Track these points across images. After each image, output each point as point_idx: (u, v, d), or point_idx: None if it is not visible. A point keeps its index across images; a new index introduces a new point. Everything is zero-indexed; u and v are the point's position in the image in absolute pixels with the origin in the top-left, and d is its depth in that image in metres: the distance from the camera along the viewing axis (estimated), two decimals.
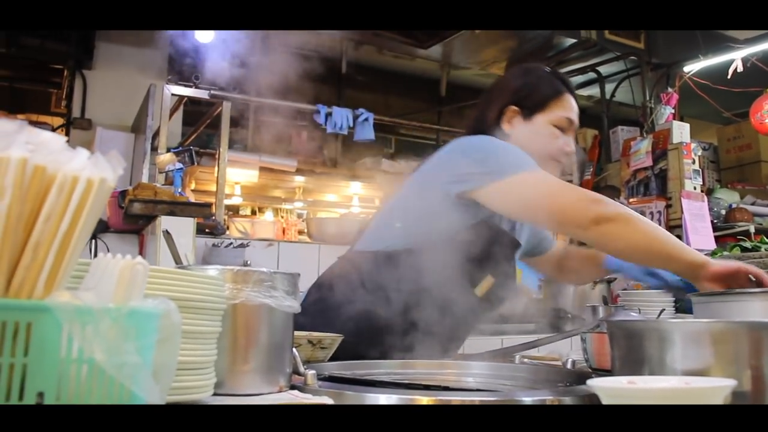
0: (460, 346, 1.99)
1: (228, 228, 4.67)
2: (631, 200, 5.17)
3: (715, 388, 0.81)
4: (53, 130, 5.06)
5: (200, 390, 0.84)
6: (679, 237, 4.77)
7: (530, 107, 1.85)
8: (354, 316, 1.72)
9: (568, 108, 1.87)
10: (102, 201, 0.64)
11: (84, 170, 0.62)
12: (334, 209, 6.56)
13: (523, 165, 1.68)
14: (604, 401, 0.84)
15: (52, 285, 0.63)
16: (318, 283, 1.92)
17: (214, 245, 3.84)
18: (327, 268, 1.95)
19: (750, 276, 1.47)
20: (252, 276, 1.00)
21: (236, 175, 5.81)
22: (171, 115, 4.55)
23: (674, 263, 1.55)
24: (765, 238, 2.46)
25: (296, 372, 1.12)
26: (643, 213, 4.99)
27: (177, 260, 1.17)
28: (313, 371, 1.09)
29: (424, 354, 1.63)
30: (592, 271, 2.14)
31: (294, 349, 1.10)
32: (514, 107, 1.86)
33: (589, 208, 1.56)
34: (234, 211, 6.25)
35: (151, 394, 0.65)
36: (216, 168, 4.44)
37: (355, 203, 6.48)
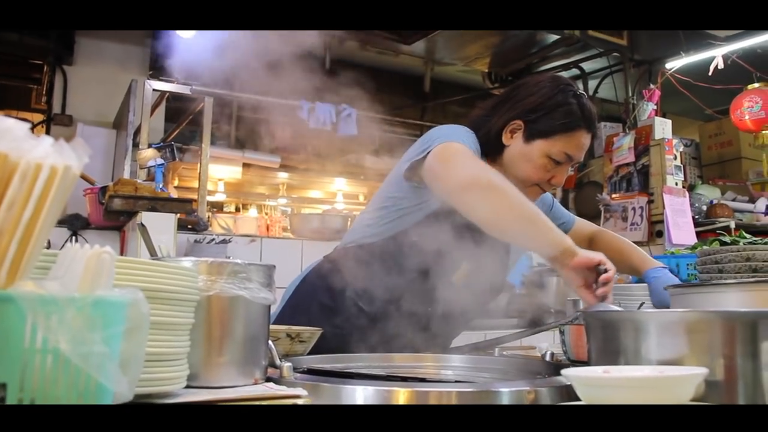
0: (452, 339, 1.97)
1: (210, 224, 4.64)
2: (613, 196, 5.20)
3: (686, 377, 0.81)
4: (33, 126, 5.01)
5: (172, 382, 0.83)
6: (661, 232, 4.81)
7: (534, 131, 1.73)
8: (339, 313, 1.72)
9: (574, 145, 1.73)
10: (67, 189, 0.63)
11: (48, 158, 0.61)
12: (318, 205, 6.55)
13: (446, 137, 1.63)
14: (579, 391, 0.84)
15: (16, 274, 0.62)
16: (302, 282, 1.91)
17: (196, 241, 3.82)
18: (311, 267, 1.95)
19: (600, 267, 1.44)
20: (226, 268, 0.99)
21: (219, 172, 5.79)
22: (153, 110, 4.51)
23: (540, 243, 1.48)
24: (743, 233, 2.47)
25: (272, 365, 1.11)
26: (625, 209, 5.05)
27: (152, 252, 1.15)
28: (289, 364, 1.09)
29: (413, 347, 1.64)
30: (622, 268, 2.00)
31: (270, 342, 1.09)
32: (519, 122, 1.75)
33: (461, 174, 1.51)
34: (218, 207, 6.23)
35: (118, 384, 0.64)
36: (198, 164, 4.42)
37: (340, 199, 6.48)
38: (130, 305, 0.66)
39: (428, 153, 1.62)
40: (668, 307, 1.57)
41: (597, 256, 1.44)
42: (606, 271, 1.43)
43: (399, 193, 1.76)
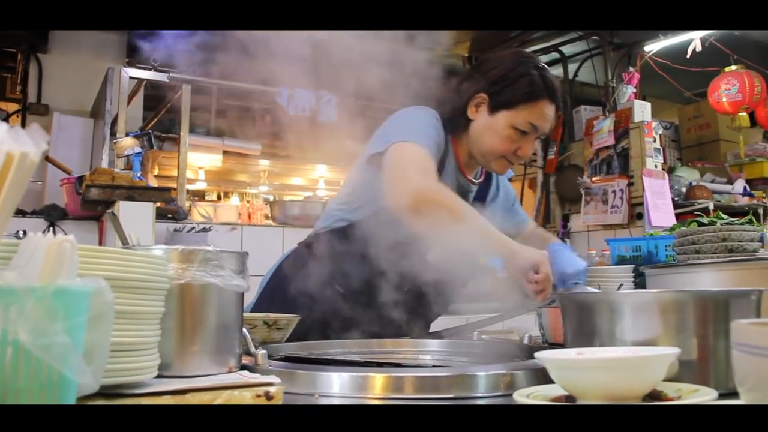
0: (431, 321, 1.97)
1: (190, 213, 4.61)
2: (594, 179, 5.22)
3: (658, 357, 0.81)
4: (8, 116, 4.93)
5: (142, 372, 0.82)
6: (641, 214, 4.84)
7: (498, 101, 1.76)
8: (315, 299, 1.71)
9: (538, 114, 1.76)
10: (24, 177, 0.62)
11: (3, 144, 0.60)
12: (300, 192, 6.53)
13: (403, 135, 1.67)
14: (552, 373, 0.84)
15: None
16: (278, 269, 1.91)
17: (176, 230, 3.79)
18: (286, 254, 1.95)
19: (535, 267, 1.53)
20: (198, 255, 0.98)
21: (200, 160, 5.74)
22: (130, 99, 4.46)
23: (486, 249, 1.61)
24: (720, 214, 2.49)
25: (248, 352, 1.10)
26: (605, 191, 5.08)
27: (123, 241, 1.14)
28: (264, 351, 1.08)
29: (394, 330, 1.64)
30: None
31: (244, 329, 1.08)
32: (483, 95, 1.78)
33: (403, 197, 1.59)
34: (200, 196, 6.19)
35: (82, 375, 0.63)
36: (177, 152, 4.38)
37: (321, 186, 6.46)
38: (94, 294, 0.65)
39: (387, 148, 1.66)
40: (567, 276, 1.61)
41: (534, 257, 1.53)
42: (537, 272, 1.52)
43: (367, 177, 1.77)
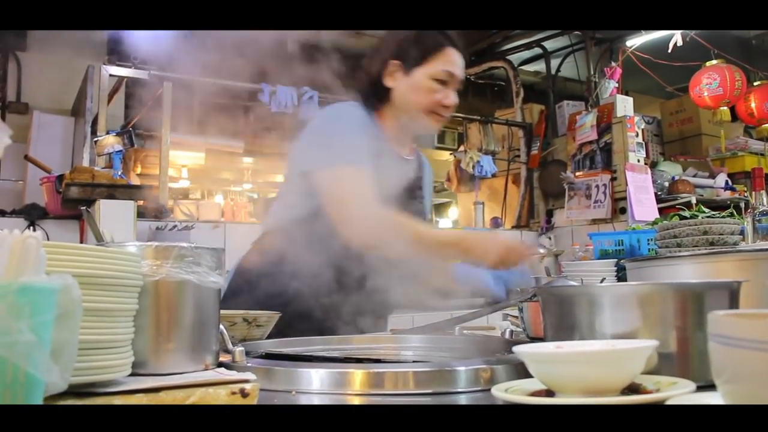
0: (390, 309, 1.98)
1: (173, 211, 4.58)
2: (577, 174, 5.24)
3: (636, 350, 0.81)
4: None
5: (115, 369, 0.81)
6: (624, 209, 4.86)
7: (410, 61, 1.84)
8: (273, 296, 1.71)
9: (449, 62, 1.84)
10: None
11: None
12: None
13: (334, 157, 1.73)
14: (530, 367, 0.83)
15: None
16: (236, 273, 1.92)
17: (158, 228, 3.76)
18: (245, 254, 1.97)
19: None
20: (173, 252, 0.97)
21: (183, 158, 5.70)
22: (111, 96, 4.41)
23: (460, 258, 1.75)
24: (702, 207, 2.51)
25: (226, 350, 1.09)
26: (588, 186, 5.09)
27: (98, 238, 1.12)
28: (242, 348, 1.06)
29: (350, 324, 1.68)
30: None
31: (222, 326, 1.07)
32: (395, 61, 1.85)
33: (363, 234, 1.65)
34: (184, 194, 6.14)
35: (49, 373, 0.62)
36: (159, 150, 4.35)
37: None
38: (61, 291, 0.63)
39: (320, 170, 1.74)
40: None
41: (499, 239, 1.68)
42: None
43: (300, 188, 1.82)
